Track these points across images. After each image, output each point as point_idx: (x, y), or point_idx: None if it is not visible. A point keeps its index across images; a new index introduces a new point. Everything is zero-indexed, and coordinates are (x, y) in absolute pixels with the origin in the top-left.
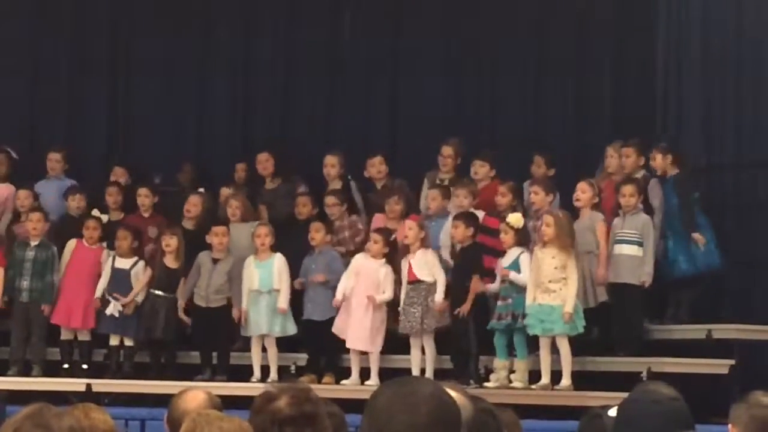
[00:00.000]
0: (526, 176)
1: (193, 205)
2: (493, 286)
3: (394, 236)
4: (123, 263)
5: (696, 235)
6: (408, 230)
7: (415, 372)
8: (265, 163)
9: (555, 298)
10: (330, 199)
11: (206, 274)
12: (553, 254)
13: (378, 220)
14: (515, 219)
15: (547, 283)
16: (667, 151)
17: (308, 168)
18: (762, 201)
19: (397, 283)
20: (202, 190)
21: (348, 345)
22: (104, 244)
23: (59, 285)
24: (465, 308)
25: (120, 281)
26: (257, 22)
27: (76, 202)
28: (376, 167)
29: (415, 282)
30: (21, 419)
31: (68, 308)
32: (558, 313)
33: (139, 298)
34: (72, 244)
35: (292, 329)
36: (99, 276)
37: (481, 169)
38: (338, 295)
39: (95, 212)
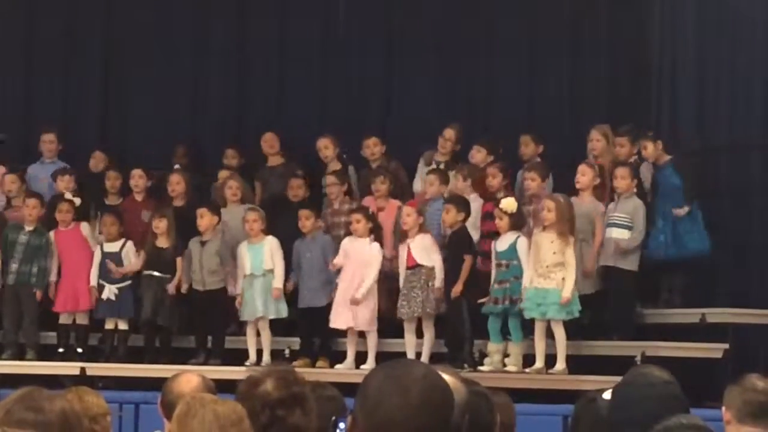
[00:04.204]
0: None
1: (176, 183)
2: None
3: (372, 211)
4: (112, 247)
5: (678, 211)
6: (406, 216)
7: (410, 356)
8: (271, 141)
9: (551, 282)
10: (330, 179)
11: (196, 257)
12: (551, 239)
13: (368, 203)
14: (508, 204)
15: (545, 267)
16: (655, 138)
17: (302, 152)
18: (756, 184)
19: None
20: (178, 166)
21: (333, 324)
22: (81, 224)
23: (59, 276)
24: (457, 289)
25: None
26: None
27: (64, 183)
28: (370, 149)
29: (414, 267)
30: (12, 402)
31: (73, 294)
32: (554, 297)
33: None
34: (52, 235)
35: (284, 311)
36: (90, 252)
37: (477, 155)
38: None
39: (68, 195)
